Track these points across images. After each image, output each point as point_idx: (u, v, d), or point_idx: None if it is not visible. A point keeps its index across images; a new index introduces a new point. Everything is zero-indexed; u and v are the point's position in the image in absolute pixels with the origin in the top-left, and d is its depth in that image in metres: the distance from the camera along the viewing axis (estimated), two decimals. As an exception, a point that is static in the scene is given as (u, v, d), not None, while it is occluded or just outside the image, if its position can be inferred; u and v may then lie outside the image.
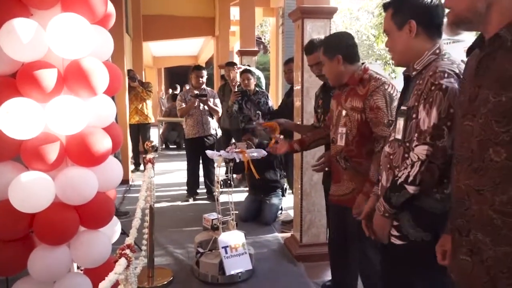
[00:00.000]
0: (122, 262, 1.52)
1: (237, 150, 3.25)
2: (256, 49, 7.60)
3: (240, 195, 4.87)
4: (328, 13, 3.17)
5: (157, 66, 18.00)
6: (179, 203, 5.11)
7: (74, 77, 1.98)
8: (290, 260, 3.35)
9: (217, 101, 5.15)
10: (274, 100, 8.14)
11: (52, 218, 1.97)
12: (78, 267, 2.28)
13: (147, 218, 2.73)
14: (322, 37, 2.65)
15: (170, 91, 14.45)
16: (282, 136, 2.60)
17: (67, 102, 1.94)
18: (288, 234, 3.81)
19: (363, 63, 2.21)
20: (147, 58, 13.56)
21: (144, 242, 2.73)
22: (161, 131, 10.00)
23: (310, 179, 3.29)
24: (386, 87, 2.04)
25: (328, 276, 2.93)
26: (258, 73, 5.50)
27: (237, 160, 3.23)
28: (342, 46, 2.18)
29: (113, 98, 2.36)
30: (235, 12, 9.02)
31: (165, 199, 5.24)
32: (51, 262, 2.03)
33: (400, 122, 1.58)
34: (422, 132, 1.45)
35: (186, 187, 5.31)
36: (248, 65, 6.11)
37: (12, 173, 1.97)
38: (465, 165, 1.15)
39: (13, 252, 2.05)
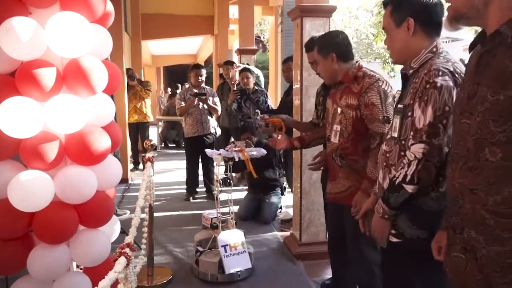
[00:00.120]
0: (122, 261, 1.52)
1: (236, 148, 3.25)
2: (255, 47, 7.59)
3: (239, 194, 4.88)
4: (327, 12, 3.17)
5: (156, 64, 18.01)
6: (178, 202, 5.11)
7: (73, 75, 1.98)
8: (289, 258, 3.35)
9: (217, 99, 5.14)
10: (273, 99, 8.15)
11: (51, 217, 1.97)
12: (77, 266, 2.28)
13: (147, 216, 2.73)
14: (322, 35, 2.66)
15: (170, 90, 14.41)
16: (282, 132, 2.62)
17: (66, 101, 1.94)
18: (287, 233, 3.82)
19: (357, 61, 2.22)
20: (146, 56, 13.57)
21: (144, 241, 2.74)
22: (160, 130, 9.99)
23: (309, 178, 3.29)
24: (380, 83, 2.05)
25: (327, 275, 2.94)
26: (257, 71, 5.50)
27: (236, 159, 3.23)
28: (335, 45, 2.20)
29: (112, 97, 2.36)
30: (234, 11, 9.03)
31: (164, 198, 5.24)
32: (50, 261, 2.03)
33: (397, 120, 1.58)
34: (418, 130, 1.46)
35: (185, 186, 5.31)
36: (247, 64, 6.11)
37: (11, 172, 1.96)
38: (460, 163, 1.15)
39: (12, 251, 2.04)
